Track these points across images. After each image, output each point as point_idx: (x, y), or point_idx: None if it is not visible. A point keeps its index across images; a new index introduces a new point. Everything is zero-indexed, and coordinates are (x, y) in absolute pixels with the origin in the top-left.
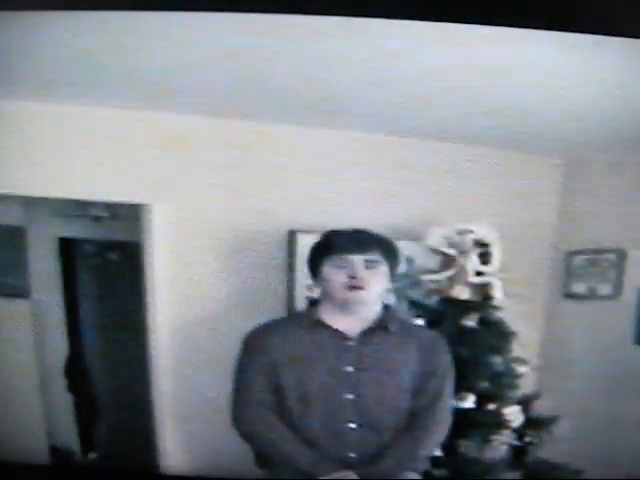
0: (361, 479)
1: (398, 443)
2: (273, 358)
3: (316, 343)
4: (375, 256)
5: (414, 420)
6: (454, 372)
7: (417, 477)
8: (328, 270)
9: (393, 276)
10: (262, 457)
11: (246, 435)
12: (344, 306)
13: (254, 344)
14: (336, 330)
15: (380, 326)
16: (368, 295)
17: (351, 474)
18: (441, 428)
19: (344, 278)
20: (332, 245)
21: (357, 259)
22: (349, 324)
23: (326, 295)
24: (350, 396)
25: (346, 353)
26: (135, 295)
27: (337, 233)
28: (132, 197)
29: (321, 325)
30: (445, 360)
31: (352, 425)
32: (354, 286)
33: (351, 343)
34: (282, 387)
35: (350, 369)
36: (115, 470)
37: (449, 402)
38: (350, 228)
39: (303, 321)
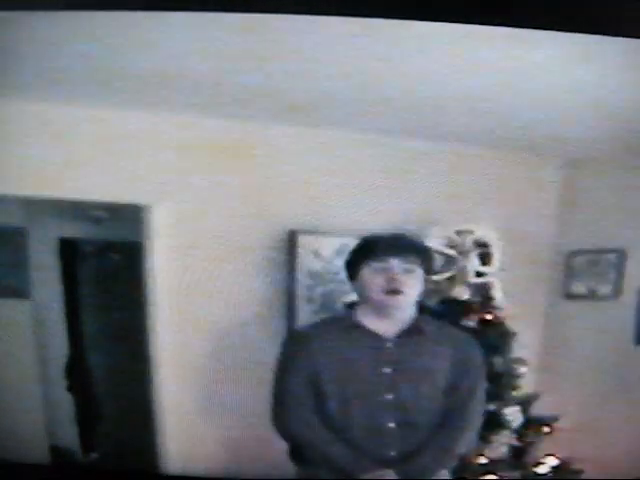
0: (400, 478)
1: (434, 440)
2: (313, 361)
3: (355, 346)
4: (413, 261)
5: (449, 418)
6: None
7: (447, 476)
8: (367, 274)
9: (426, 281)
10: (299, 454)
11: (287, 436)
12: (381, 309)
13: (295, 348)
14: (373, 333)
15: (415, 328)
16: (406, 299)
17: (390, 473)
18: (474, 426)
19: (383, 282)
20: (373, 249)
21: (396, 263)
22: (386, 327)
23: (363, 298)
24: (389, 396)
25: (383, 355)
26: (135, 296)
27: (377, 237)
28: (132, 197)
29: (359, 328)
30: (477, 359)
31: (391, 424)
32: (392, 290)
33: (388, 345)
34: (323, 389)
35: (388, 370)
36: (115, 470)
37: (482, 400)
38: (389, 232)
39: (341, 324)
